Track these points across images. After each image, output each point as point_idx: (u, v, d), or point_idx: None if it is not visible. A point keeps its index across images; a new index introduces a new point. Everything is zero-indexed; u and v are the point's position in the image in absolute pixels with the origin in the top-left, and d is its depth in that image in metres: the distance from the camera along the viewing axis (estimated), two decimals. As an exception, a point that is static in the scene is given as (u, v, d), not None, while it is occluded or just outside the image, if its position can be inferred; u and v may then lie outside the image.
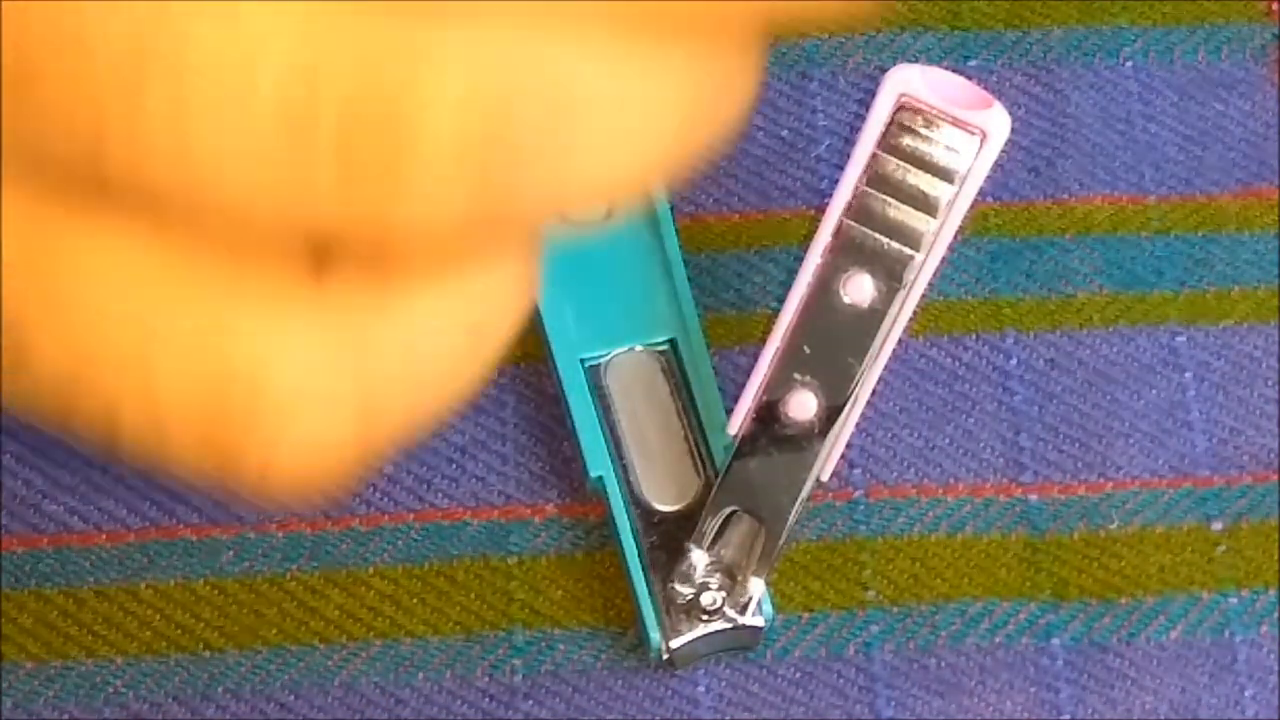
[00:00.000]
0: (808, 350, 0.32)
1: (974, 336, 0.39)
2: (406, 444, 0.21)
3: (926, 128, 0.31)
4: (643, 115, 0.19)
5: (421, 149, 0.17)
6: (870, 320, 0.32)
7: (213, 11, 0.17)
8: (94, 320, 0.19)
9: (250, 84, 0.17)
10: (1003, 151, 0.31)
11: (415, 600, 0.37)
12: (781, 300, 0.33)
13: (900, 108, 0.31)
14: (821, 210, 0.32)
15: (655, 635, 0.35)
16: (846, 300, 0.32)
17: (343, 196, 0.18)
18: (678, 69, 0.19)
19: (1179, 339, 0.39)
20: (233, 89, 0.17)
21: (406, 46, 0.17)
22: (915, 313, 0.32)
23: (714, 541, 0.34)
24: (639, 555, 0.35)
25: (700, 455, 0.36)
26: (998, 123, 0.31)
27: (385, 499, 0.37)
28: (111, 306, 0.19)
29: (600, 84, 0.18)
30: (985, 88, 0.31)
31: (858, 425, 0.33)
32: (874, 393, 0.33)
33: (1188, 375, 0.39)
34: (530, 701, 0.36)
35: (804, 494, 0.33)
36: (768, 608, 0.35)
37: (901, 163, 0.31)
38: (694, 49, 0.19)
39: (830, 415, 0.33)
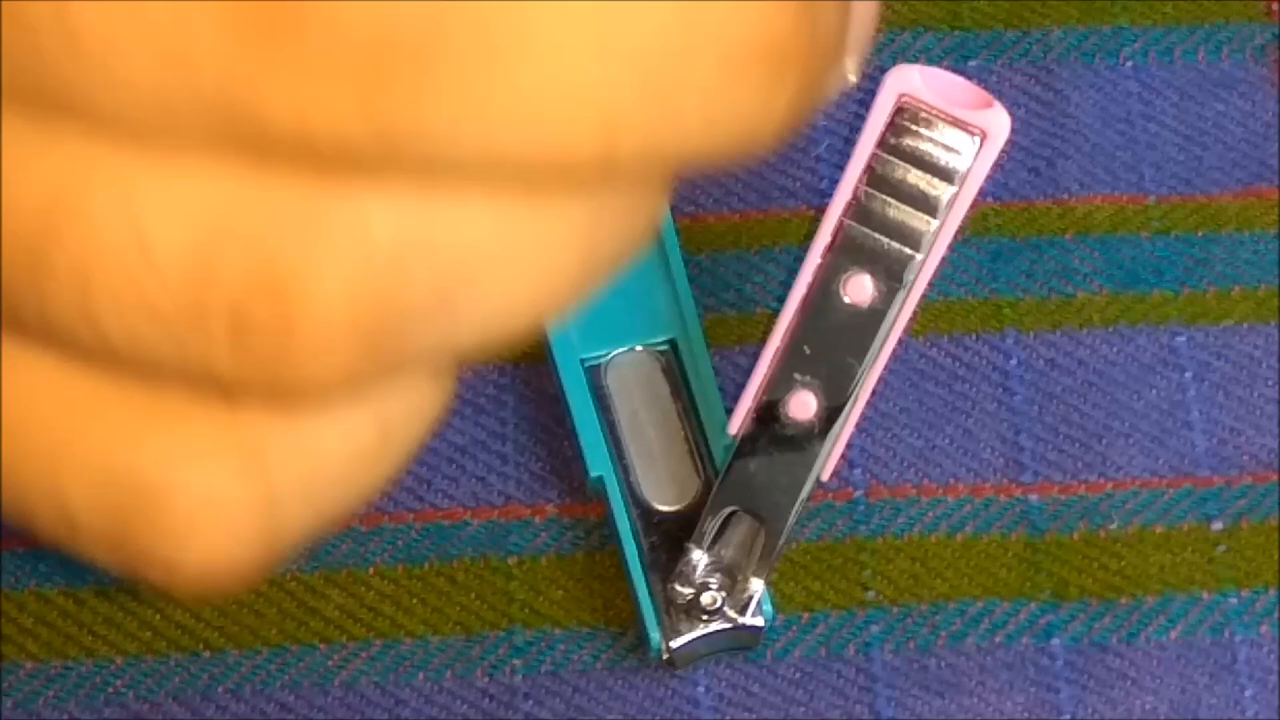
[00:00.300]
0: (808, 350, 0.32)
1: (974, 336, 0.39)
2: (318, 537, 0.22)
3: (926, 128, 0.31)
4: (537, 264, 0.20)
5: (311, 323, 0.18)
6: (870, 320, 0.32)
7: (116, 188, 0.18)
8: (11, 432, 0.20)
9: (148, 259, 0.18)
10: (1003, 151, 0.31)
11: (415, 600, 0.37)
12: (781, 300, 0.33)
13: (900, 108, 0.31)
14: (821, 210, 0.32)
15: (655, 635, 0.35)
16: (846, 300, 0.32)
17: (236, 360, 0.19)
18: (572, 214, 0.20)
19: (1179, 339, 0.39)
20: (131, 261, 0.18)
21: (296, 223, 0.18)
22: (915, 313, 0.32)
23: (714, 541, 0.34)
24: (639, 555, 0.35)
25: (700, 455, 0.36)
26: (998, 123, 0.31)
27: (385, 499, 0.37)
28: (27, 420, 0.20)
29: (491, 241, 0.19)
30: (985, 88, 0.31)
31: (858, 425, 0.33)
32: (874, 393, 0.33)
33: (1188, 375, 0.39)
34: (530, 701, 0.36)
35: (804, 494, 0.33)
36: (768, 608, 0.35)
37: (901, 163, 0.31)
38: (587, 195, 0.20)
39: (830, 415, 0.33)
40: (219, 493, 0.20)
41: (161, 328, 0.19)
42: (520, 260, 0.19)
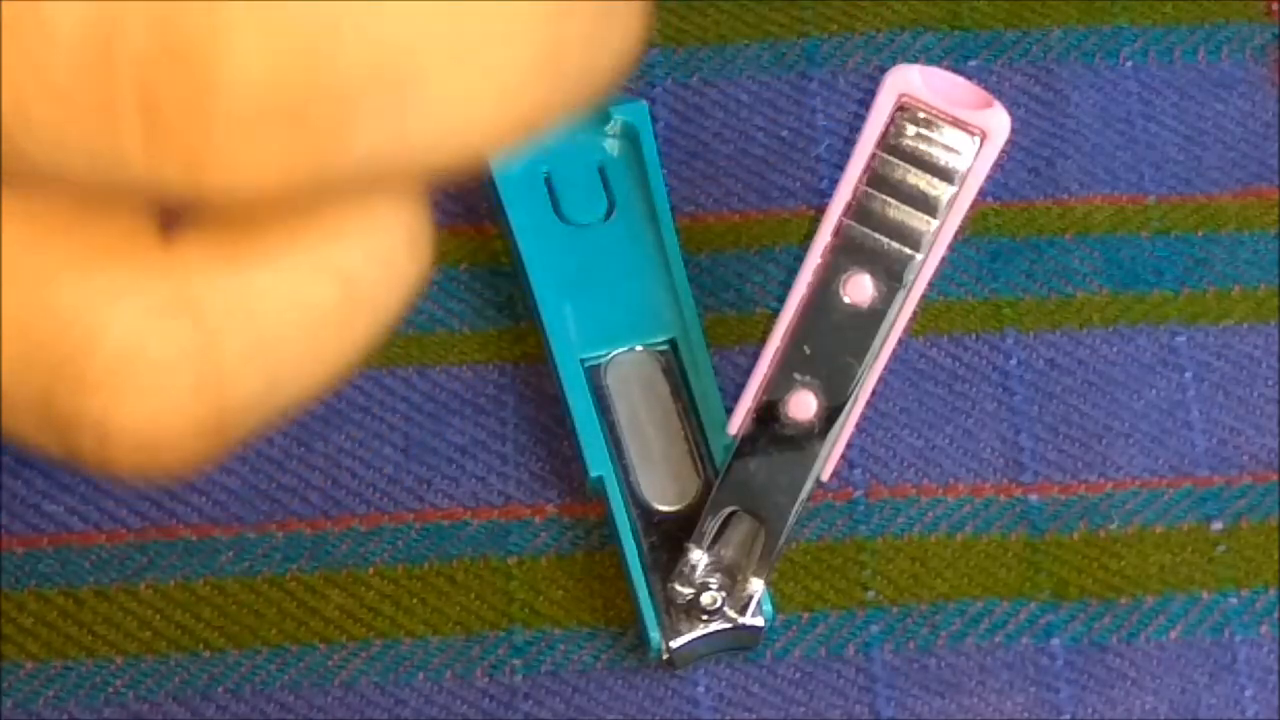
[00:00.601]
0: (808, 350, 0.32)
1: (974, 336, 0.39)
2: (288, 414, 0.20)
3: (926, 128, 0.31)
4: (495, 57, 0.17)
5: (228, 93, 0.16)
6: (870, 320, 0.32)
7: None
8: None
9: (48, 34, 0.16)
10: (1003, 151, 0.31)
11: (415, 600, 0.37)
12: (781, 300, 0.33)
13: (900, 108, 0.31)
14: (821, 210, 0.32)
15: (655, 635, 0.35)
16: (846, 300, 0.32)
17: (151, 155, 0.17)
18: (536, 6, 0.17)
19: (1179, 339, 0.39)
20: (31, 41, 0.16)
21: None
22: (915, 313, 0.32)
23: (714, 541, 0.34)
24: (639, 555, 0.35)
25: (700, 455, 0.36)
26: (998, 123, 0.31)
27: (385, 499, 0.37)
28: None
29: (440, 19, 0.17)
30: (985, 88, 0.31)
31: (858, 425, 0.33)
32: (874, 393, 0.33)
33: (1188, 375, 0.39)
34: (530, 701, 0.36)
35: (804, 494, 0.33)
36: (768, 608, 0.35)
37: (901, 163, 0.31)
38: None
39: (830, 415, 0.33)
40: (150, 339, 0.18)
41: (71, 120, 0.17)
42: (474, 49, 0.17)
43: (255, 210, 0.18)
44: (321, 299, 0.19)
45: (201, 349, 0.18)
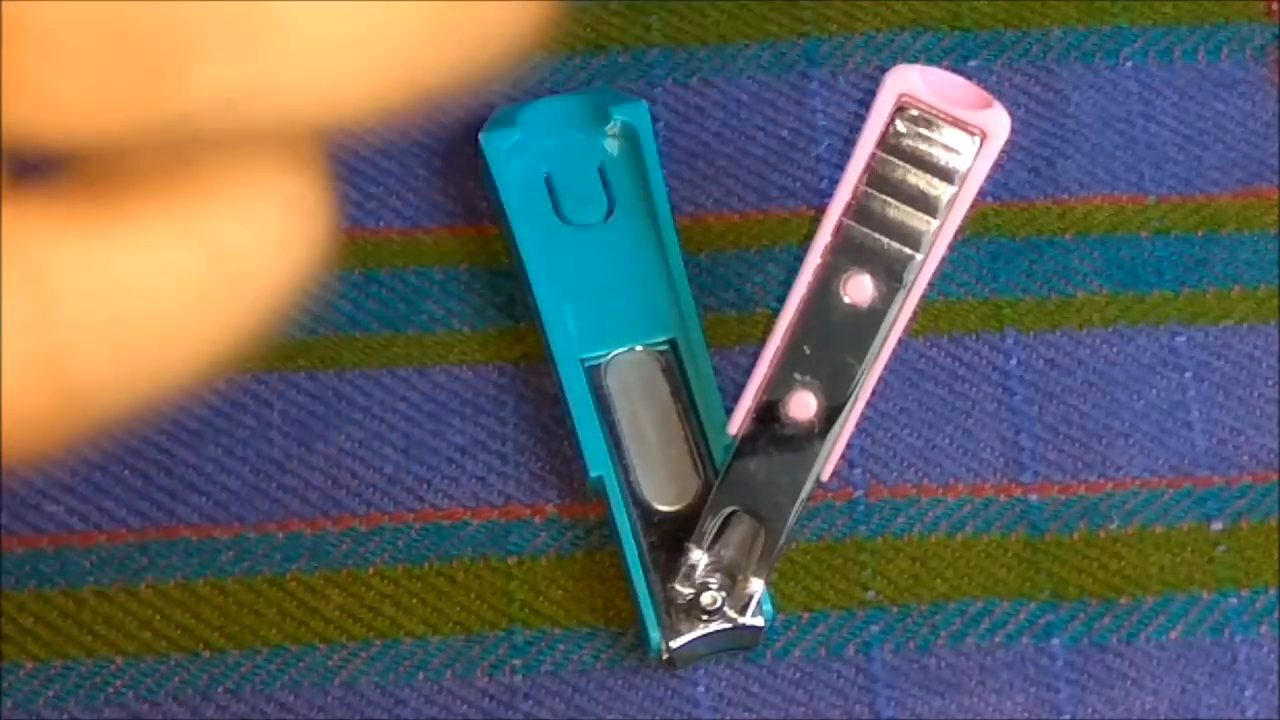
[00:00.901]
0: (808, 350, 0.32)
1: (974, 336, 0.39)
2: (165, 397, 0.18)
3: (926, 128, 0.31)
4: (363, 10, 0.16)
5: (38, 41, 0.15)
6: (870, 320, 0.32)
7: None
8: None
9: None
10: (1003, 151, 0.31)
11: (415, 600, 0.37)
12: (781, 300, 0.33)
13: (900, 108, 0.31)
14: (821, 210, 0.32)
15: (655, 635, 0.35)
16: (846, 300, 0.32)
17: None
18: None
19: (1179, 339, 0.39)
20: None
21: None
22: (915, 313, 0.32)
23: (714, 541, 0.34)
24: (639, 555, 0.35)
25: (700, 455, 0.36)
26: (998, 123, 0.31)
27: (385, 499, 0.37)
28: None
29: None
30: (985, 88, 0.31)
31: (858, 425, 0.33)
32: (874, 393, 0.33)
33: (1188, 375, 0.39)
34: (530, 701, 0.36)
35: (804, 494, 0.33)
36: (768, 608, 0.35)
37: (901, 163, 0.31)
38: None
39: (830, 415, 0.33)
40: None
41: None
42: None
43: (106, 170, 0.16)
44: (187, 272, 0.17)
45: (40, 317, 0.17)
